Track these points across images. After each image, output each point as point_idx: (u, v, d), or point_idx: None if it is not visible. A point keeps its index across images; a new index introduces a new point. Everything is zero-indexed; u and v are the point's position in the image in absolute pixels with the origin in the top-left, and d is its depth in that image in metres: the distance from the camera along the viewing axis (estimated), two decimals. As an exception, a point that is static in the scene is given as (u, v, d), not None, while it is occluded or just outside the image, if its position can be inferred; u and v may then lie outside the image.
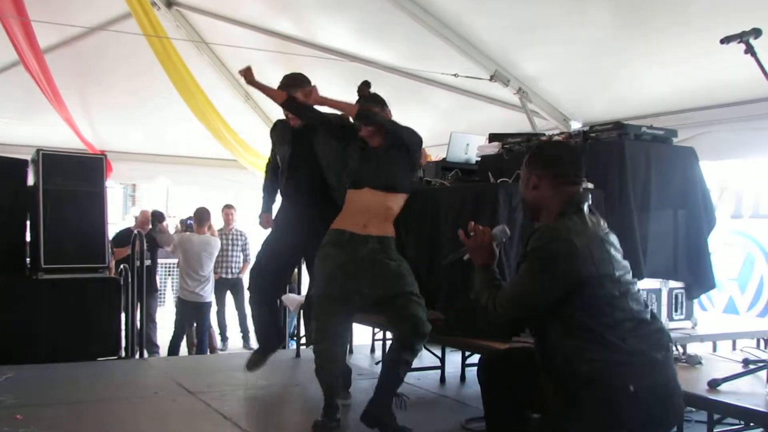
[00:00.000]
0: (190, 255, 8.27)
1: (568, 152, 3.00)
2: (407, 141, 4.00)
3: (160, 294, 9.84)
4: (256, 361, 4.92)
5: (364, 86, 4.16)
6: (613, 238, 2.71)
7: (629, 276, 2.65)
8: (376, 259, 3.84)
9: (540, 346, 2.73)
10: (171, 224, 9.31)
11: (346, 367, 4.64)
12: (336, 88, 7.85)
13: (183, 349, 8.43)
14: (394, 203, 3.96)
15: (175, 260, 9.31)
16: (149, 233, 8.64)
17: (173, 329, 8.39)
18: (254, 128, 8.79)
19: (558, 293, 2.56)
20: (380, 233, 3.89)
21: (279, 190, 4.93)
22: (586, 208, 2.73)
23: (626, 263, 2.67)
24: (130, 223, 12.30)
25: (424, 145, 4.44)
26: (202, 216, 8.51)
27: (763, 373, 3.07)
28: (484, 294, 2.84)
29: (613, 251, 2.63)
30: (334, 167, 4.49)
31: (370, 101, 4.08)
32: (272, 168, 5.03)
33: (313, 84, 4.46)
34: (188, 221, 8.80)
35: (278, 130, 4.91)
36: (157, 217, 8.87)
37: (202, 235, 8.43)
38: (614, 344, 2.49)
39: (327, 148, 4.53)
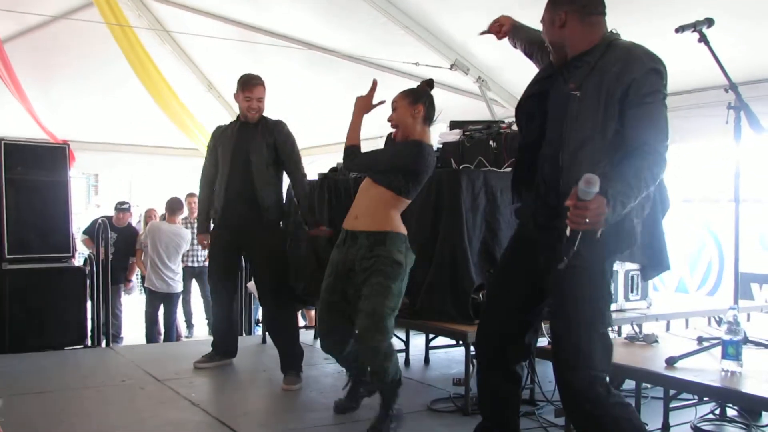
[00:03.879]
0: (159, 245, 8.08)
1: None
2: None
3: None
4: (204, 361, 5.05)
5: (427, 84, 3.89)
6: None
7: None
8: (363, 268, 3.51)
9: None
10: (135, 213, 9.14)
11: (297, 350, 4.71)
12: (297, 72, 7.89)
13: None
14: (387, 197, 3.56)
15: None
16: (129, 227, 8.51)
17: (145, 321, 8.29)
18: (217, 116, 8.69)
19: None
20: (372, 228, 3.54)
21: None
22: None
23: None
24: (93, 212, 12.10)
25: (385, 134, 4.42)
26: (173, 206, 8.31)
27: (716, 350, 3.12)
28: (639, 195, 2.45)
29: None
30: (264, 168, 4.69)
31: (420, 94, 3.79)
32: (206, 181, 5.03)
33: None
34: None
35: (218, 136, 4.95)
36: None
37: (171, 225, 8.25)
38: None
39: (259, 154, 4.68)
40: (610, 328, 2.80)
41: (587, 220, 2.28)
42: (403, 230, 3.61)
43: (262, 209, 4.66)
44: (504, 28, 3.47)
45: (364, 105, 3.80)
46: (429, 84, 3.87)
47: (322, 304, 3.76)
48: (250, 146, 4.69)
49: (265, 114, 4.83)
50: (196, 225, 8.64)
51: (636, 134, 2.47)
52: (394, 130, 3.75)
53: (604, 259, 2.61)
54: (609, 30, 2.66)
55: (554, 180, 2.66)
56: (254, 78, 4.77)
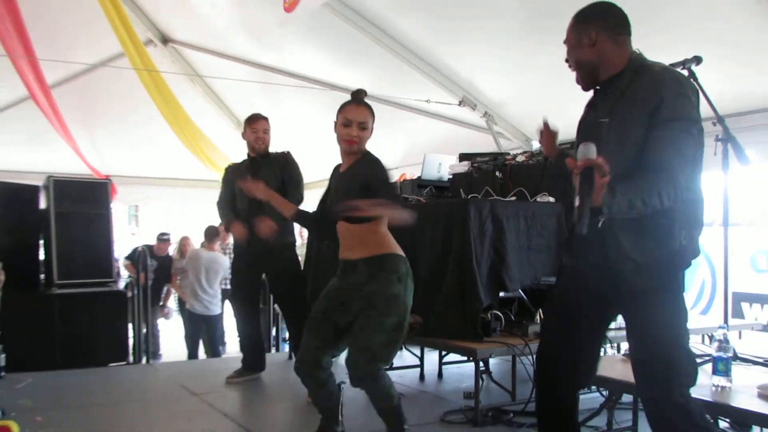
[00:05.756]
0: (198, 270, 8.04)
1: (613, 5, 2.47)
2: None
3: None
4: (235, 376, 5.03)
5: (359, 93, 3.48)
6: None
7: None
8: (360, 296, 3.19)
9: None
10: (173, 239, 9.17)
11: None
12: (316, 110, 7.94)
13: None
14: (372, 225, 3.19)
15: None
16: (167, 256, 8.57)
17: (186, 342, 8.25)
18: (245, 150, 8.77)
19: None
20: (370, 254, 3.20)
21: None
22: None
23: None
24: (131, 240, 12.21)
25: (399, 165, 4.43)
26: (211, 233, 8.26)
27: (708, 367, 3.11)
28: (646, 200, 2.16)
29: None
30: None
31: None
32: (224, 203, 5.11)
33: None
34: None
35: (231, 171, 5.08)
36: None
37: (210, 252, 8.20)
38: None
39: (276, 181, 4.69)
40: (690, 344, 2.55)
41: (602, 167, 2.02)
42: (400, 251, 3.25)
43: (277, 235, 4.57)
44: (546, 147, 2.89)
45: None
46: (362, 92, 3.46)
47: (307, 322, 3.38)
48: (261, 181, 4.62)
49: (284, 149, 4.98)
50: (227, 250, 8.80)
51: (655, 156, 2.23)
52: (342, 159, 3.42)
53: (675, 275, 2.39)
54: (634, 50, 2.46)
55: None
56: (258, 114, 4.99)
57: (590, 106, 2.57)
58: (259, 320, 5.42)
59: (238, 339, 5.07)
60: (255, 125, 4.88)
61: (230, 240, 8.80)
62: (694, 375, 2.42)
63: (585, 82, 2.53)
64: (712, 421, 2.49)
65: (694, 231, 2.39)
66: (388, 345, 3.17)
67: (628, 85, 2.36)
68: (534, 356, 4.04)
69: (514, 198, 4.68)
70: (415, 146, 7.35)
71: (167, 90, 7.57)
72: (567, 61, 2.55)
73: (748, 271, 6.28)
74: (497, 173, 5.07)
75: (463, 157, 5.57)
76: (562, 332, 2.63)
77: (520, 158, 5.12)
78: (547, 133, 2.79)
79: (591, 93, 2.58)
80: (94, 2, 6.36)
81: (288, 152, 4.96)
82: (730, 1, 4.29)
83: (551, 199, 4.59)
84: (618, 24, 2.43)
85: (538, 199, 4.61)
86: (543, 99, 6.22)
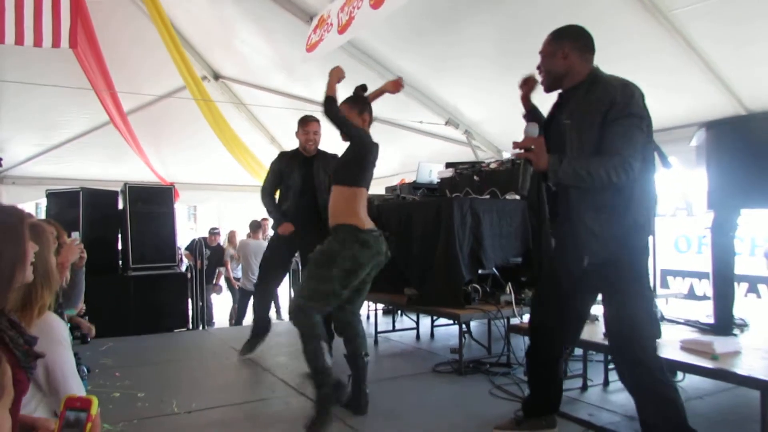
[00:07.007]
0: (248, 256, 8.08)
1: (585, 30, 2.43)
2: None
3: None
4: (250, 346, 4.54)
5: (361, 89, 3.50)
6: None
7: None
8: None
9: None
10: (222, 232, 9.18)
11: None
12: (331, 131, 7.92)
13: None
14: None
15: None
16: (218, 246, 8.59)
17: (237, 311, 8.24)
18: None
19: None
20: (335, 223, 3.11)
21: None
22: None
23: None
24: (191, 234, 12.22)
25: (399, 172, 4.41)
26: (254, 226, 8.36)
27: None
28: (591, 172, 2.19)
29: None
30: (325, 192, 4.09)
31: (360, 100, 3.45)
32: (269, 192, 4.41)
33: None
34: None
35: (286, 160, 4.36)
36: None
37: (256, 240, 8.22)
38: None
39: (321, 181, 4.25)
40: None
41: (533, 146, 2.21)
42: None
43: (321, 221, 4.08)
44: (524, 93, 2.74)
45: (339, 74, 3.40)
46: (362, 88, 3.44)
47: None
48: (314, 175, 4.31)
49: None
50: (265, 240, 8.75)
51: (610, 146, 2.18)
52: None
53: (632, 247, 2.29)
54: (594, 65, 2.40)
55: (564, 192, 2.41)
56: (310, 116, 4.33)
57: (555, 107, 2.51)
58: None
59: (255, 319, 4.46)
60: (307, 127, 4.26)
61: (267, 233, 8.84)
62: (654, 335, 2.35)
63: (548, 86, 2.48)
64: (670, 375, 2.37)
65: (648, 211, 2.32)
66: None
67: (585, 93, 2.31)
68: (505, 320, 4.05)
69: (488, 196, 4.67)
70: (412, 157, 7.33)
71: (219, 115, 7.57)
72: (538, 68, 2.48)
73: (671, 251, 6.27)
74: (475, 177, 5.06)
75: (448, 165, 5.56)
76: (552, 302, 2.54)
77: (492, 165, 5.11)
78: (528, 85, 2.68)
79: (555, 98, 2.52)
80: (161, 46, 6.36)
81: (336, 155, 4.25)
82: (662, 40, 4.26)
83: (517, 197, 4.58)
84: (586, 45, 2.40)
85: (507, 197, 4.60)
86: (510, 120, 6.14)
